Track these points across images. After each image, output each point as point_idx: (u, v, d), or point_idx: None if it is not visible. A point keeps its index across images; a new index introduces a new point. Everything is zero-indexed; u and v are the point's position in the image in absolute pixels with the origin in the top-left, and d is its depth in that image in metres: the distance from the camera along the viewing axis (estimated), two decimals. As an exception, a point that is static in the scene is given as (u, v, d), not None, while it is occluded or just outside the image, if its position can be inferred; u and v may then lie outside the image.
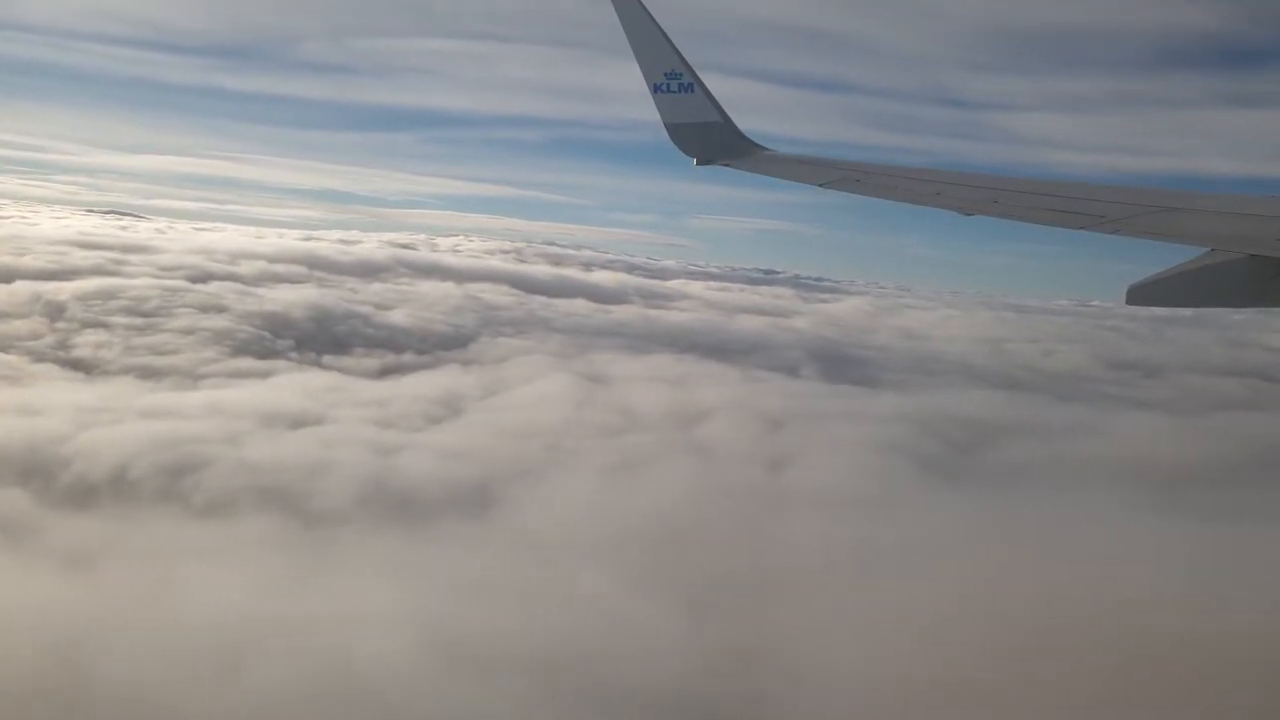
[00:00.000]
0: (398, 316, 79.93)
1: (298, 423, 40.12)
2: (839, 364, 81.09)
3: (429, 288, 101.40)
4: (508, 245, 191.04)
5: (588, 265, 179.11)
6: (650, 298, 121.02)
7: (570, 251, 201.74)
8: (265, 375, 55.31)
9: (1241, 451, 45.96)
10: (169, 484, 33.52)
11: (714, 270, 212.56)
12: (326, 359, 64.03)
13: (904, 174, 9.69)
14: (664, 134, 10.79)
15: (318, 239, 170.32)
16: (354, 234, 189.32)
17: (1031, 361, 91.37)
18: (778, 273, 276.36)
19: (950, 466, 40.52)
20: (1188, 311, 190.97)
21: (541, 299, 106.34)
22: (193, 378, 54.14)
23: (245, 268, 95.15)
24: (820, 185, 9.63)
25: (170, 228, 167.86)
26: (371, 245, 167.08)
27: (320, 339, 69.21)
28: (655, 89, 10.66)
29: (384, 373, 62.40)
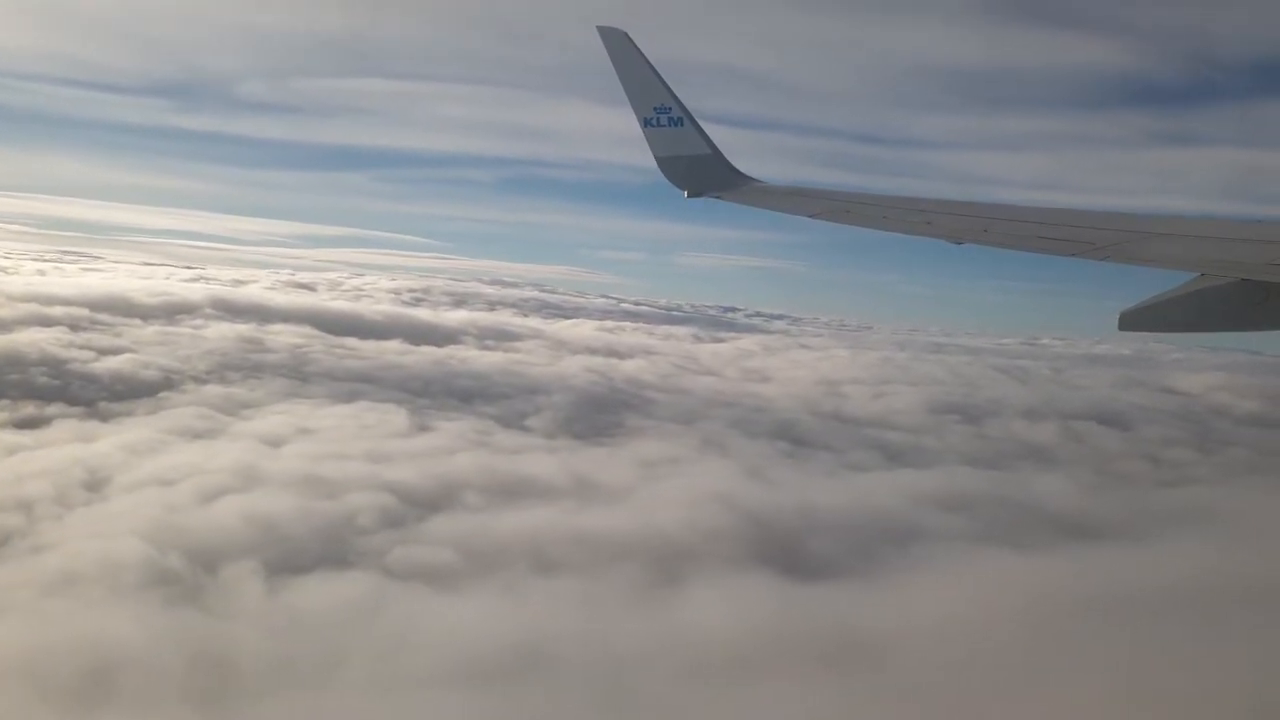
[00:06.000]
0: (110, 363, 72.87)
1: None
2: (601, 411, 73.50)
3: (217, 329, 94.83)
4: (415, 284, 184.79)
5: (492, 304, 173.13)
6: (492, 338, 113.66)
7: (488, 290, 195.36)
8: None
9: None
10: None
11: (644, 309, 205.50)
12: (-56, 412, 57.34)
13: (894, 204, 9.55)
14: (655, 174, 10.81)
15: (210, 279, 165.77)
16: (252, 272, 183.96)
17: (842, 407, 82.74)
18: (737, 310, 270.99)
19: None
20: (1127, 349, 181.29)
21: (351, 340, 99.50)
22: None
23: (8, 311, 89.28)
24: (809, 216, 9.53)
25: (56, 269, 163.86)
26: (259, 286, 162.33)
27: (-32, 389, 62.57)
28: (645, 123, 10.65)
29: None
